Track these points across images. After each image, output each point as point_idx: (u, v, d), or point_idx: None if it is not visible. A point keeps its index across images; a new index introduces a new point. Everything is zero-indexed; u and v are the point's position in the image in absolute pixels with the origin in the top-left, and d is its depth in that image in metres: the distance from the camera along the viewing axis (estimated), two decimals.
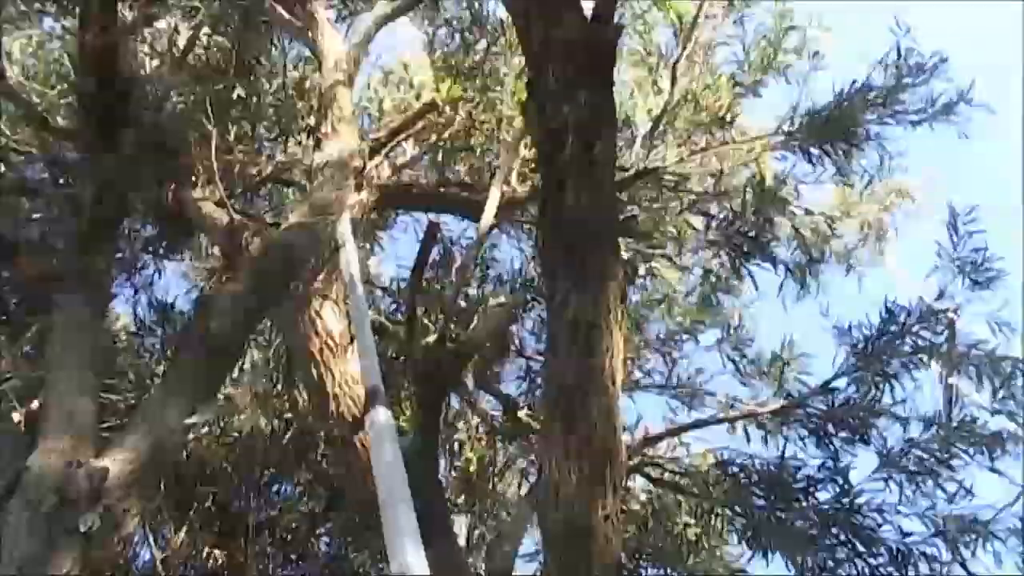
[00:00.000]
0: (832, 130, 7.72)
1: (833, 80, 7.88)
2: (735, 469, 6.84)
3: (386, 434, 4.54)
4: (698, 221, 7.87)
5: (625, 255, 7.40)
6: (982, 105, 7.59)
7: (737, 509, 6.78)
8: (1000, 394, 6.37)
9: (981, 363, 6.44)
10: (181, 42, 6.99)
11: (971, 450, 6.25)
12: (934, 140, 7.79)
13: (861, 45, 8.15)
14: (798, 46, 8.42)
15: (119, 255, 7.79)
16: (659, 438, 7.48)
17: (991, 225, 6.76)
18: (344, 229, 6.17)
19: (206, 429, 7.81)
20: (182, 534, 7.88)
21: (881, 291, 6.89)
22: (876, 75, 7.67)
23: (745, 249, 7.56)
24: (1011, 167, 7.60)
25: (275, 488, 8.81)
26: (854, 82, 7.67)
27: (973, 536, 6.12)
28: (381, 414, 4.68)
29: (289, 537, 8.65)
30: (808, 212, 8.15)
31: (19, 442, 4.78)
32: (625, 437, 7.35)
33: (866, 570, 6.21)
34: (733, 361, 7.90)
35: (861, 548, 6.21)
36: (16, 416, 5.87)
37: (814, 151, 7.83)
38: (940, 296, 6.54)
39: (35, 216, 7.06)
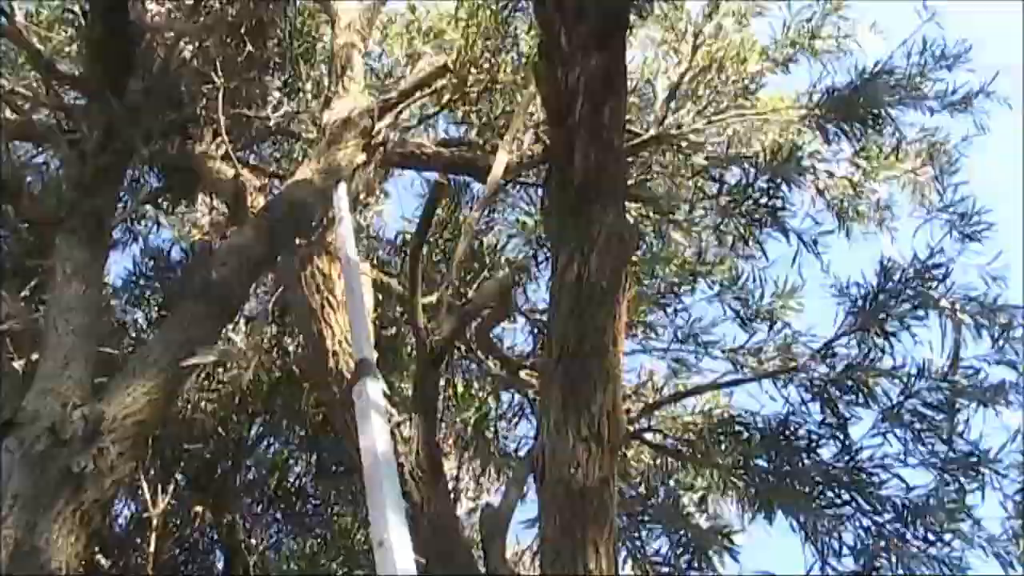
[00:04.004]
0: (851, 110, 7.68)
1: (859, 61, 7.90)
2: (737, 428, 6.84)
3: (373, 405, 4.54)
4: (711, 187, 7.81)
5: (633, 219, 7.39)
6: (1002, 99, 7.60)
7: (739, 470, 6.77)
8: (1000, 343, 6.37)
9: (978, 313, 6.44)
10: None
11: (973, 403, 6.24)
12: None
13: (896, 27, 8.09)
14: (839, 37, 8.38)
15: (122, 204, 7.79)
16: (659, 404, 7.46)
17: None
18: (342, 205, 6.17)
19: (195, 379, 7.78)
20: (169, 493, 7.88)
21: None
22: (898, 56, 7.66)
23: (757, 217, 7.50)
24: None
25: (264, 447, 8.82)
26: (877, 63, 7.64)
27: (977, 478, 6.13)
28: (369, 385, 4.67)
29: (277, 498, 8.66)
30: (831, 175, 8.10)
31: (16, 383, 4.75)
32: (626, 404, 7.39)
33: (872, 528, 6.21)
34: (735, 310, 7.85)
35: (866, 506, 6.21)
36: (17, 364, 5.87)
37: (831, 128, 7.79)
38: (932, 253, 6.54)
39: (38, 160, 7.06)
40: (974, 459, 6.21)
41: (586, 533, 3.95)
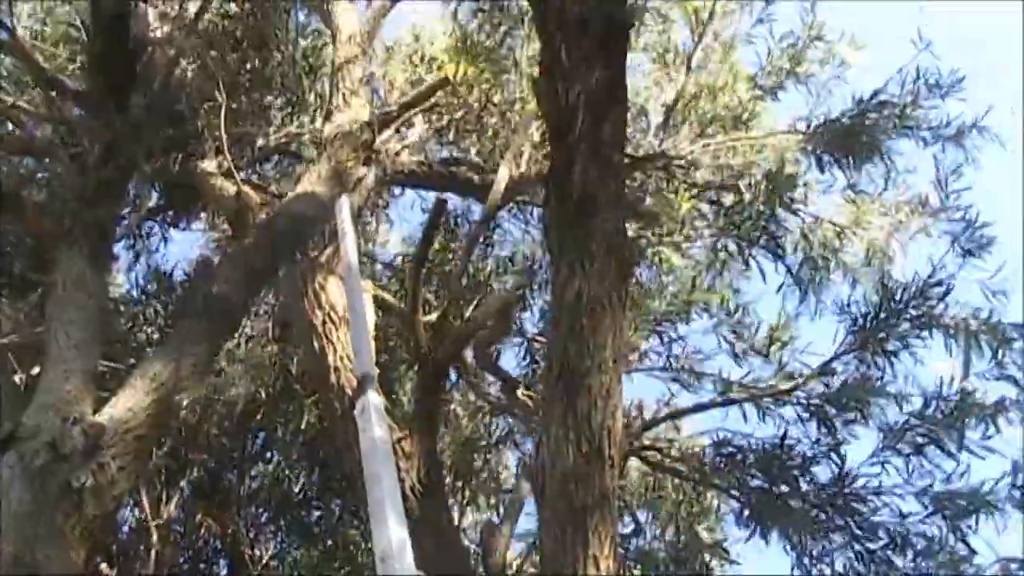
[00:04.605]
0: (848, 142, 7.67)
1: (853, 90, 7.82)
2: (732, 450, 6.81)
3: (375, 416, 4.54)
4: (706, 208, 7.82)
5: (631, 236, 7.38)
6: (994, 135, 7.54)
7: (734, 491, 6.75)
8: (1001, 359, 6.34)
9: (979, 330, 6.42)
10: (193, 8, 6.93)
11: (972, 423, 6.21)
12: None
13: (886, 51, 8.09)
14: (823, 58, 8.37)
15: (124, 221, 7.82)
16: (657, 422, 7.45)
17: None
18: (345, 218, 6.19)
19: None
20: (174, 502, 7.89)
21: None
22: (892, 86, 7.63)
23: (752, 238, 7.49)
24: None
25: (267, 458, 8.83)
26: (874, 93, 7.62)
27: (972, 510, 6.10)
28: (372, 397, 4.68)
29: (282, 509, 8.66)
30: (817, 219, 8.09)
31: (17, 397, 4.75)
32: (624, 420, 7.37)
33: (864, 554, 6.18)
34: (730, 343, 7.84)
35: (858, 532, 6.18)
36: (17, 378, 5.88)
37: (826, 159, 7.78)
38: (934, 270, 6.53)
39: (42, 175, 7.06)
40: (970, 498, 6.17)
41: (587, 548, 3.94)
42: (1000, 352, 6.36)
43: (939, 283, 6.50)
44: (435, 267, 8.24)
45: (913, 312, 6.47)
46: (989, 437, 6.24)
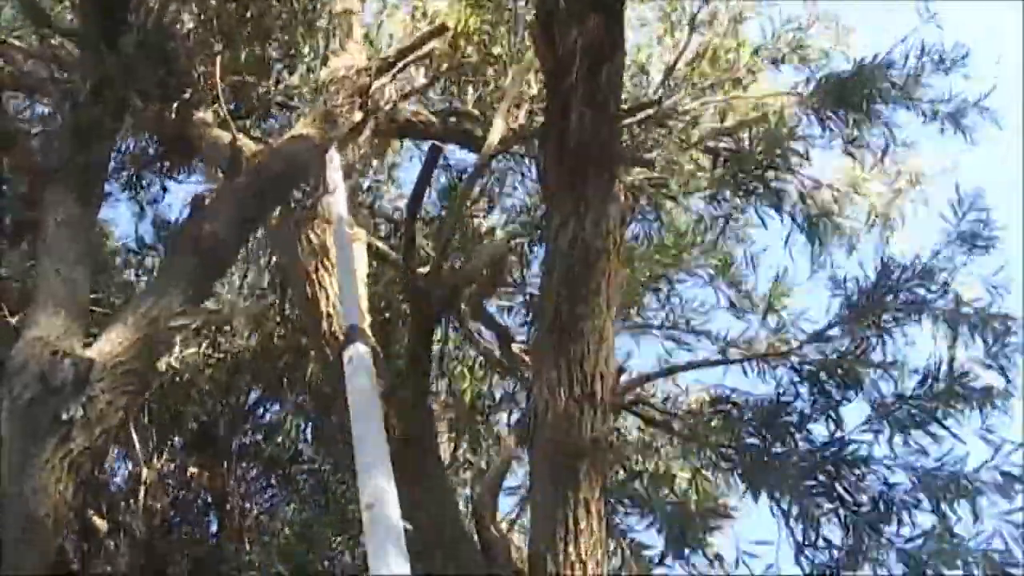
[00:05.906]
0: (846, 97, 7.62)
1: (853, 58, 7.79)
2: (728, 406, 6.81)
3: (362, 368, 4.54)
4: (705, 160, 7.79)
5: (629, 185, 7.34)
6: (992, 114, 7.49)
7: (729, 449, 6.74)
8: (993, 350, 6.31)
9: (974, 320, 6.39)
10: None
11: (962, 405, 6.18)
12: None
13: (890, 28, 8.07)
14: (827, 45, 8.42)
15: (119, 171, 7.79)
16: (652, 378, 7.43)
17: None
18: (335, 174, 6.15)
19: (192, 349, 7.80)
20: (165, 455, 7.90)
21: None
22: (896, 54, 7.58)
23: (752, 188, 7.44)
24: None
25: (260, 413, 8.83)
26: (875, 56, 7.56)
27: (955, 490, 6.08)
28: (359, 348, 4.67)
29: (272, 462, 8.67)
30: (816, 184, 8.07)
31: (8, 337, 4.75)
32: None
33: (848, 521, 6.17)
34: (728, 297, 7.83)
35: (846, 496, 6.18)
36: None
37: (827, 115, 7.74)
38: (936, 255, 6.48)
39: (32, 109, 7.02)
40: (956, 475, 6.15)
41: (578, 492, 3.97)
42: (994, 343, 6.31)
43: (930, 272, 6.44)
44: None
45: (909, 294, 6.42)
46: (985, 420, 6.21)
